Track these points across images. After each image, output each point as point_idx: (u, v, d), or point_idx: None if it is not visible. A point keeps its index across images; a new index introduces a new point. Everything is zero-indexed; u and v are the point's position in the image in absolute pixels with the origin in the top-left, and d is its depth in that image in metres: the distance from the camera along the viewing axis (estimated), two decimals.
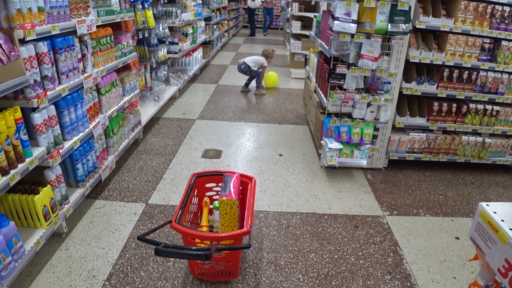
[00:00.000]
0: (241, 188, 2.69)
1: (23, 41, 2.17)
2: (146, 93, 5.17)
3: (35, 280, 2.37)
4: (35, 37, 2.21)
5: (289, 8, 8.93)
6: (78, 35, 2.72)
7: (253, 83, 6.93)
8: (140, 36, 4.62)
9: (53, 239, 2.72)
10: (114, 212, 3.06)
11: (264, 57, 6.86)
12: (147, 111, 4.80)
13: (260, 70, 6.71)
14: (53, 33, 2.39)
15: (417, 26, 3.38)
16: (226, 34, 12.34)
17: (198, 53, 7.61)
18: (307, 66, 5.29)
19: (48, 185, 2.46)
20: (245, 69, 6.67)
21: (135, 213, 3.05)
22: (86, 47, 2.85)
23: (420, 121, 3.77)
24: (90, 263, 2.52)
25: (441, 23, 3.37)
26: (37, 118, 2.31)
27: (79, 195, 2.86)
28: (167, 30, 5.53)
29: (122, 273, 2.45)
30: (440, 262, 2.68)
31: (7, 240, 2.08)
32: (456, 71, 3.57)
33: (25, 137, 2.20)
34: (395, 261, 2.66)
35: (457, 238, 2.94)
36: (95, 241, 2.72)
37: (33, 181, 2.46)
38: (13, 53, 2.02)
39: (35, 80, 2.26)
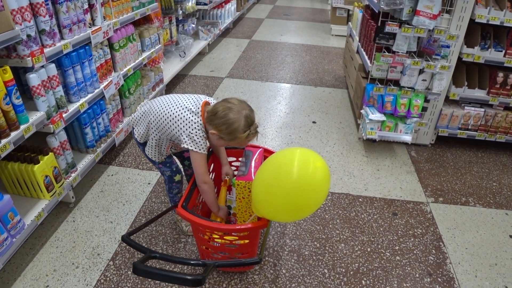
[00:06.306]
0: None
1: None
2: (171, 48, 4.79)
3: (38, 255, 2.20)
4: None
5: None
6: None
7: None
8: None
9: (60, 208, 2.53)
10: (127, 181, 2.82)
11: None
12: (171, 68, 4.45)
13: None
14: None
15: None
16: None
17: (232, 5, 7.03)
18: (349, 23, 4.72)
19: (50, 153, 2.22)
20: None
21: (149, 183, 2.81)
22: None
23: (479, 93, 3.22)
24: (96, 238, 2.32)
25: None
26: (34, 79, 2.02)
27: (88, 161, 2.62)
28: None
29: (128, 252, 2.23)
30: (490, 265, 2.29)
31: (1, 216, 1.88)
32: None
33: (18, 101, 1.92)
34: (437, 260, 2.29)
35: None
36: (103, 213, 2.51)
37: (34, 149, 2.22)
38: None
39: (28, 36, 1.94)
